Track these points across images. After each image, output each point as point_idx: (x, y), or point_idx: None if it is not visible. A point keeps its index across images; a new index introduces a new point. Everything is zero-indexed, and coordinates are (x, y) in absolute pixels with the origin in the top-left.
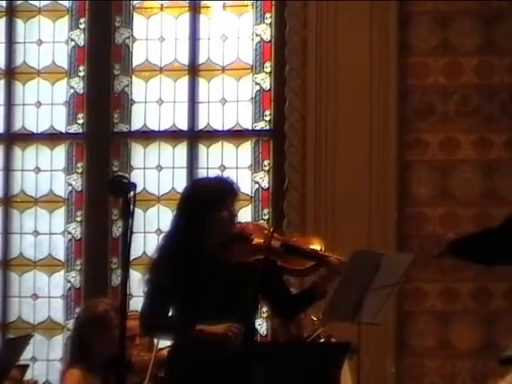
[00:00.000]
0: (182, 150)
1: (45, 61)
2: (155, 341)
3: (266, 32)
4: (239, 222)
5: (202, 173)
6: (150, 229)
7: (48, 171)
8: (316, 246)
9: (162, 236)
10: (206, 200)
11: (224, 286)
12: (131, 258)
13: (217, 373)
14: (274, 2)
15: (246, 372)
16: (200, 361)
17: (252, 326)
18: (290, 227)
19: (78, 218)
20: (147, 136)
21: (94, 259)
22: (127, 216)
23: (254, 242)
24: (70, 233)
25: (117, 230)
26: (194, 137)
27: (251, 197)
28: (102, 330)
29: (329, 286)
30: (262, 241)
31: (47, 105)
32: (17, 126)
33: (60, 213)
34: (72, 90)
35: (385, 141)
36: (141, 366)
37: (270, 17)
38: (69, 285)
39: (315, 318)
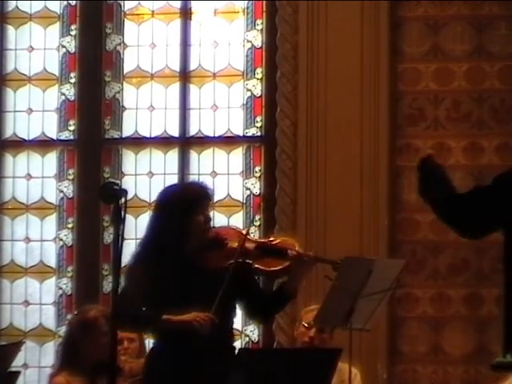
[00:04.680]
0: (173, 156)
1: (36, 67)
2: (146, 345)
3: (257, 38)
4: (213, 227)
5: (193, 179)
6: (142, 235)
7: (39, 178)
8: (290, 245)
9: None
10: (181, 205)
11: (200, 291)
12: (122, 265)
13: (193, 377)
14: (265, 8)
15: (222, 375)
16: (176, 366)
17: (229, 327)
18: (281, 233)
19: (70, 225)
20: (138, 142)
21: (86, 266)
22: (118, 222)
23: (228, 246)
24: (61, 239)
25: (108, 236)
26: (186, 143)
27: (243, 203)
28: (91, 335)
29: (298, 284)
30: (237, 244)
31: (38, 111)
32: (8, 132)
33: (51, 219)
34: (63, 97)
35: (376, 146)
36: (130, 371)
37: (261, 23)
38: (60, 291)
39: (307, 325)
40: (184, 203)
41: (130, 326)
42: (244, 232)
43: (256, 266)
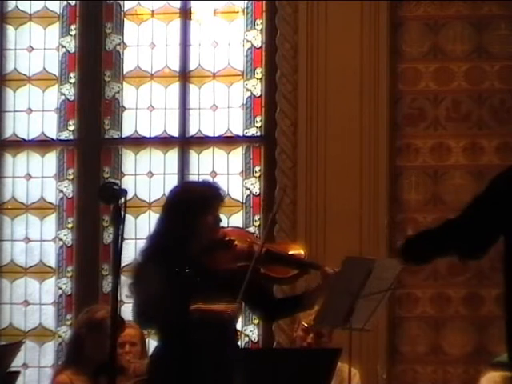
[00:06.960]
0: (173, 156)
1: (36, 67)
2: (147, 348)
3: (256, 38)
4: (222, 227)
5: (193, 179)
6: (141, 235)
7: (39, 178)
8: (299, 252)
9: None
10: (192, 204)
11: (206, 291)
12: (122, 265)
13: (200, 377)
14: (264, 8)
15: (228, 376)
16: (183, 366)
17: (234, 329)
18: (281, 233)
19: (69, 225)
20: (138, 142)
21: (85, 266)
22: (118, 222)
23: (237, 248)
24: (61, 239)
25: (108, 236)
26: (185, 143)
27: (242, 203)
28: (96, 335)
29: (318, 298)
30: (246, 246)
31: (38, 111)
32: (8, 132)
33: (51, 219)
34: (63, 97)
35: (375, 146)
36: (134, 371)
37: (261, 23)
38: (60, 291)
39: (306, 325)
40: (196, 202)
41: (158, 321)
42: (257, 236)
43: (264, 272)
